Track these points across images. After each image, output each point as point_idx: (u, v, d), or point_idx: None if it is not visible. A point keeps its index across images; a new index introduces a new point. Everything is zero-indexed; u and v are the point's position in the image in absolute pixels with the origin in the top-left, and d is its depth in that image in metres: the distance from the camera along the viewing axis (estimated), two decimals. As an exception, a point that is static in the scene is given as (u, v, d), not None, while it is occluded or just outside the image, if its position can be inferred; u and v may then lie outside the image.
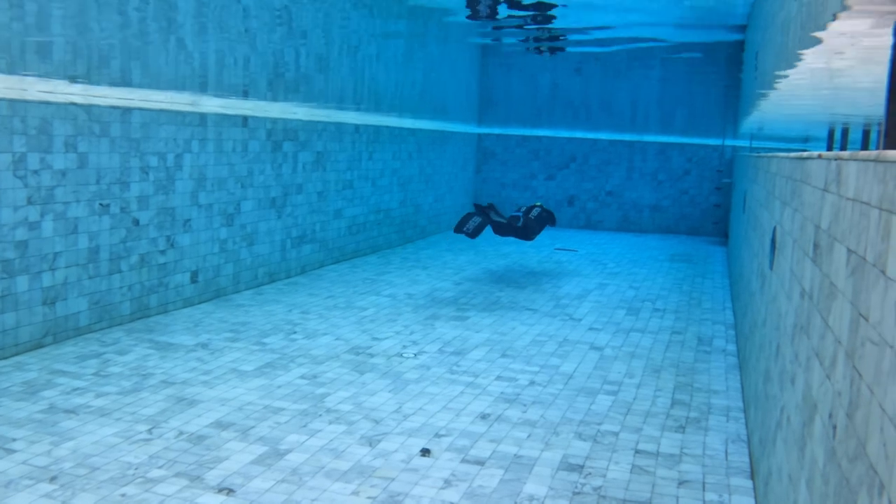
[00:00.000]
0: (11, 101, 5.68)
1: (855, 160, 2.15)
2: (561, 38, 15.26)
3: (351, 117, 10.67)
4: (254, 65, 8.34)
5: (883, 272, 1.70)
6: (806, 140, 11.44)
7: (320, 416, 4.93)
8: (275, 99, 8.80)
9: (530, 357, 6.49)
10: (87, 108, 6.34)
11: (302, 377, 5.68)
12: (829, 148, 7.69)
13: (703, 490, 4.12)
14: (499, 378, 5.89)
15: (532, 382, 5.82)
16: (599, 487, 4.08)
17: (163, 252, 7.27)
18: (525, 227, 10.02)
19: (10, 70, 5.65)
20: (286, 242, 9.35)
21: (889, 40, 2.37)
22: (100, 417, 4.73)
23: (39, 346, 6.06)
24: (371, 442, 4.55)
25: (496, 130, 16.91)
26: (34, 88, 5.86)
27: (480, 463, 4.32)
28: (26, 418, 4.67)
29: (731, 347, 7.10)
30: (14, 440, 4.34)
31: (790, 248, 3.59)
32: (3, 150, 5.63)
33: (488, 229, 15.49)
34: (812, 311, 2.70)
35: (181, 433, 4.55)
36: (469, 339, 6.99)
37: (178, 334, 6.67)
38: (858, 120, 5.80)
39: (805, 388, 2.68)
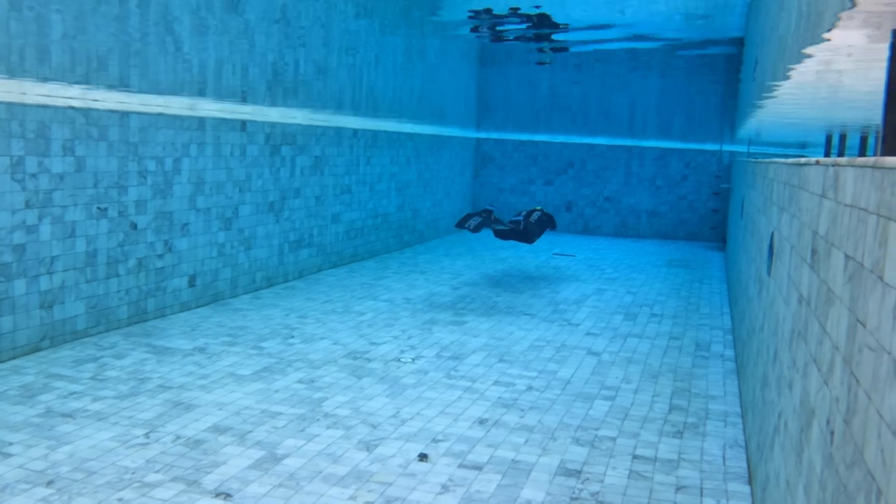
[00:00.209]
0: (10, 105, 5.68)
1: (852, 166, 2.16)
2: (562, 46, 15.31)
3: (349, 122, 10.68)
4: (252, 69, 8.35)
5: (880, 278, 1.70)
6: (803, 146, 11.46)
7: (318, 420, 4.92)
8: (273, 103, 8.80)
9: (528, 362, 6.49)
10: (86, 112, 6.34)
11: (299, 382, 5.67)
12: (827, 154, 7.71)
13: (701, 495, 4.11)
14: (496, 383, 5.88)
15: (530, 387, 5.82)
16: (597, 493, 4.07)
17: (160, 256, 7.27)
18: (525, 229, 10.13)
19: (9, 73, 5.65)
20: (284, 247, 9.34)
21: (886, 48, 2.38)
22: (97, 421, 4.72)
23: (37, 349, 6.05)
24: (368, 447, 4.54)
25: (494, 135, 16.93)
26: (32, 92, 5.86)
27: (478, 468, 4.32)
28: (23, 422, 4.66)
29: (729, 353, 7.10)
30: (11, 444, 4.33)
31: (788, 253, 3.60)
32: (1, 154, 5.63)
33: (489, 231, 15.50)
34: (810, 316, 2.71)
35: (178, 437, 4.54)
36: (467, 343, 6.99)
37: (176, 338, 6.66)
38: (856, 126, 5.82)
39: (803, 394, 2.68)
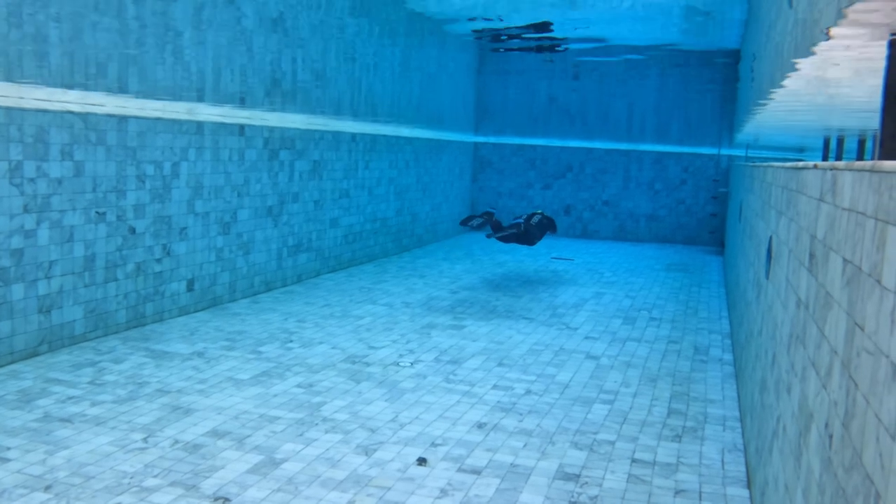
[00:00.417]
0: (8, 109, 5.68)
1: (850, 170, 2.16)
2: (559, 47, 15.34)
3: (348, 126, 10.68)
4: (251, 74, 8.36)
5: (878, 282, 1.70)
6: (802, 150, 11.48)
7: (316, 425, 4.92)
8: (272, 108, 8.81)
9: (527, 366, 6.49)
10: (84, 117, 6.34)
11: (298, 386, 5.67)
12: (825, 158, 7.72)
13: (700, 500, 4.11)
14: (495, 387, 5.88)
15: (528, 391, 5.81)
16: (596, 497, 4.07)
17: (159, 260, 7.26)
18: (526, 231, 10.25)
19: (7, 78, 5.65)
20: (282, 251, 9.34)
21: (884, 52, 2.39)
22: (95, 426, 4.71)
23: (35, 354, 6.04)
24: (367, 451, 4.54)
25: (493, 139, 16.94)
26: (31, 96, 5.86)
27: (477, 472, 4.32)
28: (21, 427, 4.65)
29: (728, 357, 7.10)
30: (9, 449, 4.32)
31: (786, 257, 3.60)
32: (-1, 158, 5.63)
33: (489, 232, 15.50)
34: (808, 320, 2.71)
35: (177, 442, 4.54)
36: (465, 348, 6.98)
37: (174, 343, 6.66)
38: (854, 130, 5.83)
39: (801, 398, 2.68)
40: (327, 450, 4.52)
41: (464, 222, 10.42)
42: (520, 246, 14.50)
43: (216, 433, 4.70)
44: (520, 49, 15.10)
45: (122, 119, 6.72)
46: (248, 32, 8.23)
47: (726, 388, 6.12)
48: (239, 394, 5.43)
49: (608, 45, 14.83)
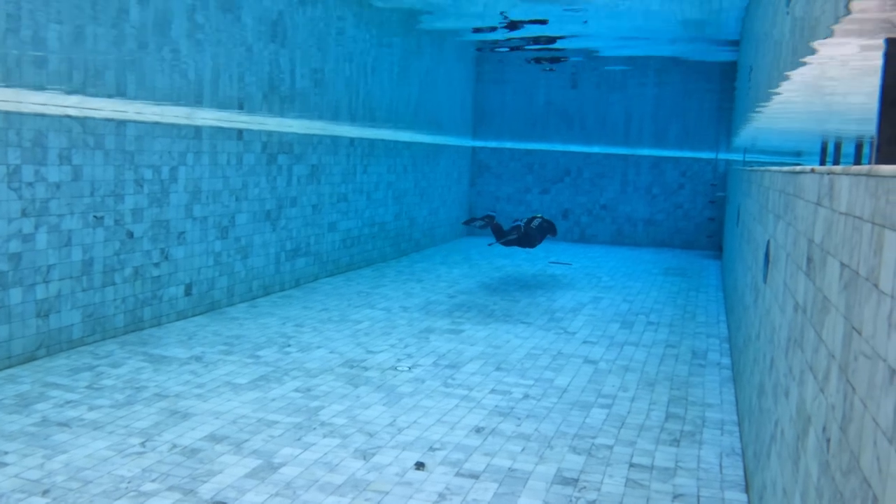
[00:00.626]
0: (7, 114, 5.68)
1: (847, 175, 2.17)
2: (561, 58, 15.41)
3: (346, 130, 10.69)
4: (249, 78, 8.36)
5: (875, 286, 1.71)
6: (799, 154, 11.50)
7: (314, 429, 4.91)
8: (270, 112, 8.82)
9: (525, 370, 6.49)
10: (82, 121, 6.34)
11: (296, 390, 5.67)
12: (822, 162, 7.73)
13: (698, 504, 4.11)
14: (493, 391, 5.88)
15: (526, 396, 5.81)
16: (594, 501, 4.07)
17: (157, 265, 7.26)
18: (526, 234, 10.40)
19: (6, 82, 5.65)
20: (281, 255, 9.34)
21: (880, 56, 2.40)
22: (93, 430, 4.71)
23: (32, 358, 6.04)
24: (365, 455, 4.53)
25: (491, 144, 16.95)
26: (29, 101, 5.86)
27: (475, 477, 4.31)
28: (19, 431, 4.64)
29: (726, 361, 7.11)
30: (6, 453, 4.32)
31: (784, 261, 3.61)
32: (-3, 163, 5.63)
33: (486, 239, 15.52)
34: (806, 324, 2.71)
35: (174, 446, 4.53)
36: (463, 352, 6.98)
37: (172, 347, 6.65)
38: (851, 135, 5.84)
39: (799, 402, 2.69)
40: (325, 454, 4.52)
41: (466, 223, 11.03)
42: (518, 250, 14.51)
43: (214, 437, 4.69)
44: (515, 49, 15.13)
45: (121, 123, 6.73)
46: (247, 37, 8.24)
47: (724, 392, 6.12)
48: (237, 398, 5.43)
49: (606, 52, 14.86)
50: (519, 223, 10.82)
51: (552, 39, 13.75)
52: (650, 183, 16.15)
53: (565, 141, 16.51)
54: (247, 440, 4.68)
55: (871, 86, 2.95)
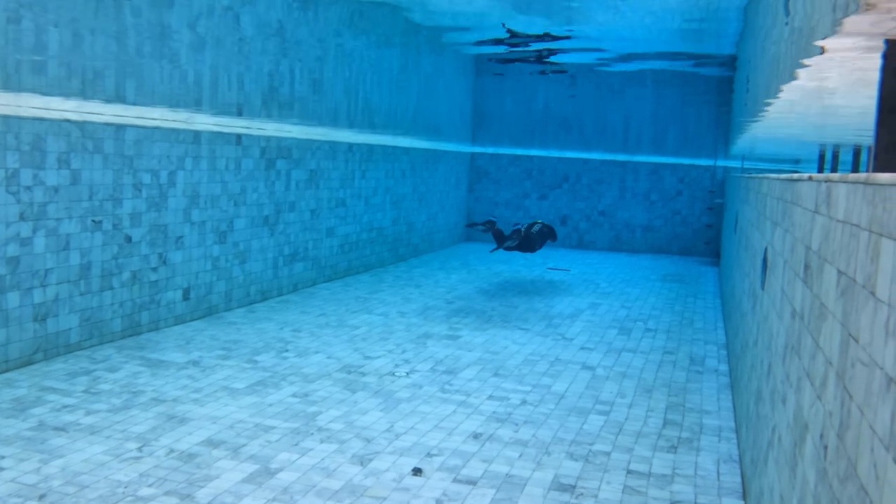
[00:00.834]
0: (5, 118, 5.68)
1: (845, 182, 2.18)
2: (560, 71, 15.48)
3: (345, 136, 10.70)
4: (248, 83, 8.37)
5: (872, 293, 1.71)
6: (797, 161, 11.52)
7: (312, 434, 4.91)
8: (269, 117, 8.82)
9: (522, 376, 6.49)
10: (81, 125, 6.35)
11: (293, 395, 5.66)
12: (820, 169, 7.74)
13: (695, 511, 4.11)
14: (491, 397, 5.88)
15: (524, 402, 5.81)
16: (591, 508, 4.06)
17: (155, 269, 7.26)
18: (527, 237, 10.51)
19: (5, 86, 5.66)
20: (279, 260, 9.34)
21: (878, 63, 2.41)
22: (89, 435, 4.70)
23: (30, 362, 6.03)
24: (362, 461, 4.53)
25: (489, 149, 16.97)
26: (28, 105, 5.86)
27: (472, 483, 4.31)
28: (15, 435, 4.64)
29: (723, 367, 7.11)
30: (3, 458, 4.31)
31: (781, 268, 3.61)
32: (-4, 166, 5.63)
33: (484, 246, 15.54)
34: (803, 331, 2.72)
35: (171, 451, 4.53)
36: (461, 357, 6.98)
37: (170, 352, 6.65)
38: (849, 142, 5.85)
39: (796, 409, 2.69)
40: (322, 459, 4.52)
41: (469, 225, 11.44)
42: (516, 255, 14.52)
43: (211, 442, 4.69)
44: (517, 60, 15.19)
45: (120, 128, 6.73)
46: (246, 42, 8.25)
47: (722, 399, 6.12)
48: (234, 403, 5.42)
49: (605, 59, 14.89)
50: (519, 227, 10.91)
51: (552, 52, 13.84)
52: (648, 189, 16.17)
53: (564, 147, 16.53)
54: (244, 445, 4.67)
55: (868, 96, 2.96)
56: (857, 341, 1.83)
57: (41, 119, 5.98)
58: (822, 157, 7.70)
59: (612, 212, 16.40)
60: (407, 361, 6.75)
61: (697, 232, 16.02)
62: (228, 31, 7.95)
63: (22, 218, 5.86)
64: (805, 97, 3.46)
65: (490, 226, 10.66)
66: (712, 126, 15.68)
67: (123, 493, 3.96)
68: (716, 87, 15.42)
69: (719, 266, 13.91)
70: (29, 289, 5.97)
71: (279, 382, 5.95)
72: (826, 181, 2.52)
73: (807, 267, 2.76)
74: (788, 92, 3.32)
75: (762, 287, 4.52)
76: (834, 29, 1.98)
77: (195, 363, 6.34)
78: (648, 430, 5.32)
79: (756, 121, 5.32)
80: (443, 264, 13.12)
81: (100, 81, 6.47)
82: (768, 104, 4.13)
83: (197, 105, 7.61)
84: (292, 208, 9.50)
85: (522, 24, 11.91)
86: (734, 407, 5.84)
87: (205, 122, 7.76)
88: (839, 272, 2.13)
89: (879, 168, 2.52)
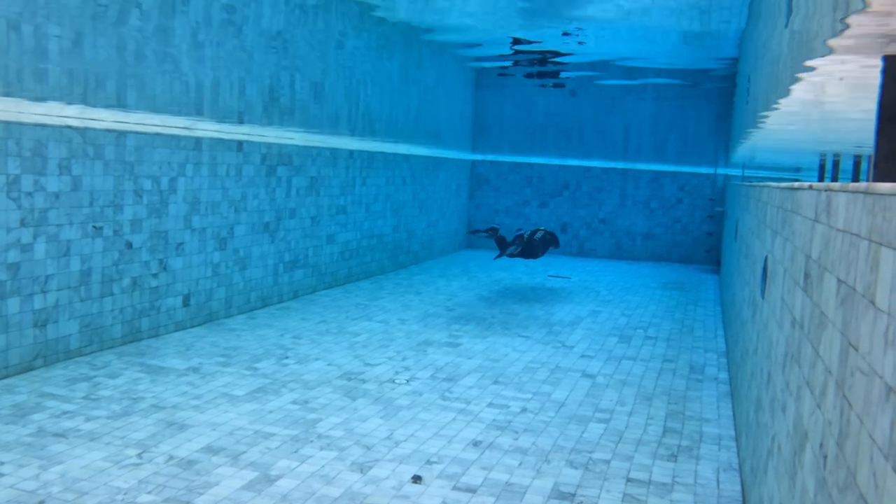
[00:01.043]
0: (7, 124, 5.70)
1: (845, 191, 2.18)
2: (561, 76, 15.52)
3: (345, 143, 10.72)
4: (249, 90, 8.39)
5: (872, 302, 1.71)
6: (797, 170, 11.53)
7: (311, 441, 4.90)
8: (270, 124, 8.84)
9: (522, 384, 6.48)
10: (82, 131, 6.36)
11: (293, 402, 5.66)
12: (821, 178, 7.75)
13: (695, 519, 4.10)
14: (490, 405, 5.87)
15: (524, 409, 5.80)
16: (591, 516, 4.06)
17: (155, 275, 7.26)
18: (529, 243, 10.59)
19: (6, 92, 5.67)
20: (279, 267, 9.34)
21: (878, 71, 2.41)
22: (89, 441, 4.70)
23: (29, 368, 6.03)
24: (362, 468, 4.52)
25: (490, 157, 16.99)
26: (30, 111, 5.87)
27: (472, 490, 4.30)
28: (15, 441, 4.63)
29: (723, 375, 7.10)
30: (2, 464, 4.31)
31: (781, 277, 3.62)
32: (-3, 172, 5.64)
33: (485, 254, 15.54)
34: (803, 340, 2.72)
35: (171, 458, 4.52)
36: (461, 365, 6.98)
37: (170, 358, 6.64)
38: (849, 151, 5.86)
39: (796, 417, 2.69)
40: (322, 467, 4.51)
41: (471, 232, 11.26)
42: (517, 262, 14.53)
43: (211, 449, 4.68)
44: (517, 65, 15.23)
45: (121, 134, 6.74)
46: (247, 49, 8.27)
47: (722, 407, 6.12)
48: (234, 410, 5.42)
49: (605, 66, 14.92)
50: (522, 232, 10.95)
51: (554, 61, 13.88)
52: (649, 197, 16.18)
53: (564, 155, 16.54)
54: (244, 452, 4.67)
55: (867, 105, 2.97)
56: (856, 350, 1.83)
57: (42, 125, 5.99)
58: (822, 166, 7.71)
59: (612, 219, 16.41)
60: (407, 369, 6.75)
61: (698, 240, 16.02)
62: (229, 37, 7.96)
63: (23, 224, 5.87)
64: (805, 104, 3.47)
65: (493, 233, 10.69)
66: (713, 134, 15.70)
67: (123, 499, 3.95)
68: (717, 94, 15.44)
69: (719, 274, 13.90)
70: (29, 295, 5.97)
71: (279, 389, 5.95)
72: (826, 190, 2.52)
73: (807, 276, 2.76)
74: (788, 98, 3.33)
75: (762, 295, 4.52)
76: (834, 33, 1.99)
77: (195, 370, 6.34)
78: (648, 438, 5.31)
79: (756, 127, 5.33)
80: (443, 271, 13.12)
81: (101, 88, 6.48)
82: (768, 111, 4.14)
83: (198, 111, 7.62)
84: (293, 215, 9.51)
85: (527, 35, 11.95)
86: (734, 415, 5.83)
87: (206, 128, 7.77)
88: (839, 281, 2.13)
89: (879, 177, 2.53)
